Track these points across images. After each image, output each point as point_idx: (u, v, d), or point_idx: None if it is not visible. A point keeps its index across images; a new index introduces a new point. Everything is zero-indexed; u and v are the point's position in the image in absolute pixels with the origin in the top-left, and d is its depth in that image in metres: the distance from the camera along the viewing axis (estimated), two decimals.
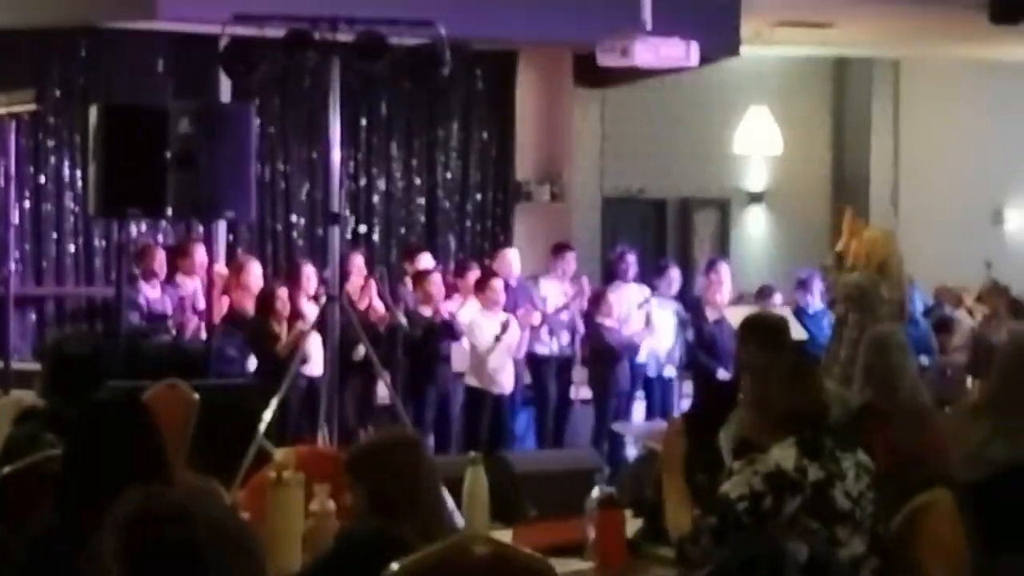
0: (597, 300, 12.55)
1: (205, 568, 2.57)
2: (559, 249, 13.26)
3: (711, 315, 12.70)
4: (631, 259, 13.08)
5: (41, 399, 6.82)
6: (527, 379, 12.56)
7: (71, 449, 4.02)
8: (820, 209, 17.64)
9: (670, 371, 12.78)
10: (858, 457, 4.63)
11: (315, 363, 10.34)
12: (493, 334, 11.79)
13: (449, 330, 11.69)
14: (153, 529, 2.55)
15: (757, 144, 17.67)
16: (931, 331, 14.10)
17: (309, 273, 11.35)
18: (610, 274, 13.35)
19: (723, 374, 12.14)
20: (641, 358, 12.62)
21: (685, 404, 12.42)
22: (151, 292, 11.26)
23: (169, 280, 11.47)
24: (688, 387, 12.81)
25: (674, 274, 13.09)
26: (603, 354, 12.41)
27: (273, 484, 5.02)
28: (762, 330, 6.45)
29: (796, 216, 17.64)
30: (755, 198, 17.86)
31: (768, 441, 4.60)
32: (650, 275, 13.30)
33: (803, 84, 18.14)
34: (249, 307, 11.19)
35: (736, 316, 11.88)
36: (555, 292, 12.71)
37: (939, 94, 18.10)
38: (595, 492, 4.87)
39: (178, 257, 11.81)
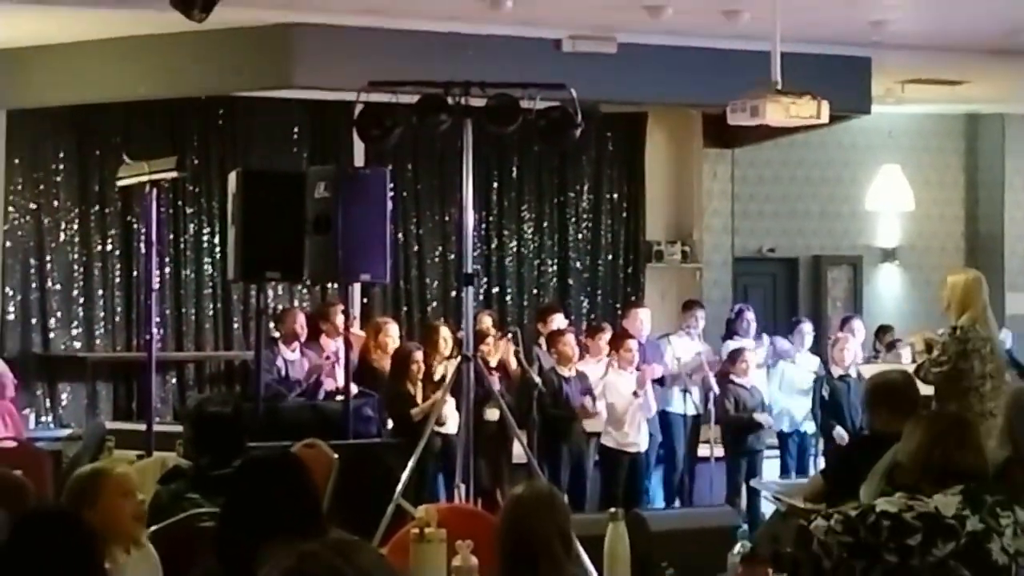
0: (733, 359, 12.54)
1: None
2: (689, 306, 13.31)
3: (836, 372, 12.66)
4: (750, 316, 13.18)
5: (184, 459, 6.95)
6: (659, 437, 12.58)
7: (231, 503, 4.11)
8: (954, 266, 17.41)
9: (808, 427, 12.73)
10: (1018, 516, 4.59)
11: (450, 422, 10.41)
12: (628, 394, 11.83)
13: (584, 389, 11.75)
14: None
15: (889, 201, 17.54)
16: None
17: (446, 335, 11.41)
18: (730, 332, 13.35)
19: (845, 432, 12.13)
20: (772, 416, 12.61)
21: (820, 461, 12.35)
22: (290, 355, 11.41)
23: (309, 343, 11.61)
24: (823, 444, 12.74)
25: (806, 329, 13.12)
26: (735, 412, 12.36)
27: (416, 541, 5.07)
28: (890, 393, 6.43)
29: (929, 273, 17.43)
30: (888, 255, 17.71)
31: (929, 491, 4.59)
32: (782, 333, 13.33)
33: (935, 140, 18.00)
34: (386, 368, 11.29)
35: (867, 372, 11.84)
36: (686, 349, 12.71)
37: None
38: (737, 548, 4.86)
39: (319, 320, 11.97)
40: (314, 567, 2.53)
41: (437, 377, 10.89)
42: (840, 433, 12.16)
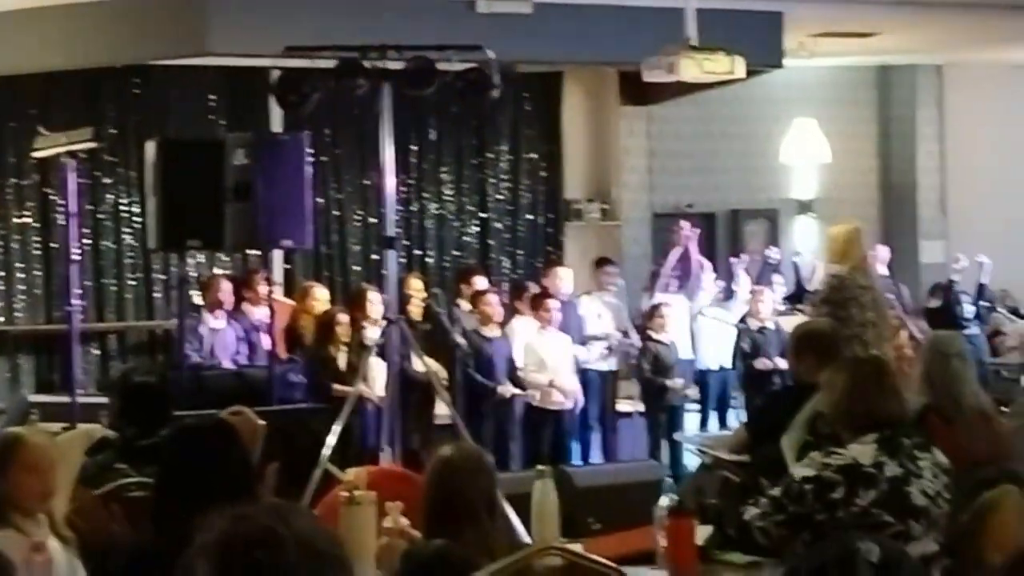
0: (651, 314, 12.65)
1: None
2: (601, 263, 13.42)
3: (754, 324, 12.85)
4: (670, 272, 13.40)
5: (110, 430, 6.95)
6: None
7: (164, 471, 4.13)
8: (869, 216, 17.58)
9: (727, 379, 12.95)
10: (936, 458, 4.70)
11: (376, 385, 10.43)
12: (550, 352, 11.91)
13: (507, 350, 11.82)
14: (243, 554, 2.52)
15: (804, 154, 17.68)
16: (983, 334, 14.25)
17: (374, 299, 11.32)
18: (652, 287, 13.50)
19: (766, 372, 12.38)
20: (693, 367, 12.82)
21: (742, 414, 12.52)
22: (215, 323, 11.37)
23: (233, 311, 11.58)
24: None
25: (708, 285, 13.40)
26: (655, 367, 12.47)
27: (346, 503, 5.12)
28: (818, 340, 6.51)
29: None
30: (804, 207, 17.85)
31: (848, 440, 4.68)
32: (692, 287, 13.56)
33: (847, 93, 18.16)
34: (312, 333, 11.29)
35: (786, 324, 12.05)
36: (596, 307, 12.82)
37: (984, 98, 18.05)
38: (663, 501, 4.93)
39: (243, 287, 11.93)
40: (249, 529, 2.53)
41: (369, 342, 10.90)
42: (763, 361, 12.45)
